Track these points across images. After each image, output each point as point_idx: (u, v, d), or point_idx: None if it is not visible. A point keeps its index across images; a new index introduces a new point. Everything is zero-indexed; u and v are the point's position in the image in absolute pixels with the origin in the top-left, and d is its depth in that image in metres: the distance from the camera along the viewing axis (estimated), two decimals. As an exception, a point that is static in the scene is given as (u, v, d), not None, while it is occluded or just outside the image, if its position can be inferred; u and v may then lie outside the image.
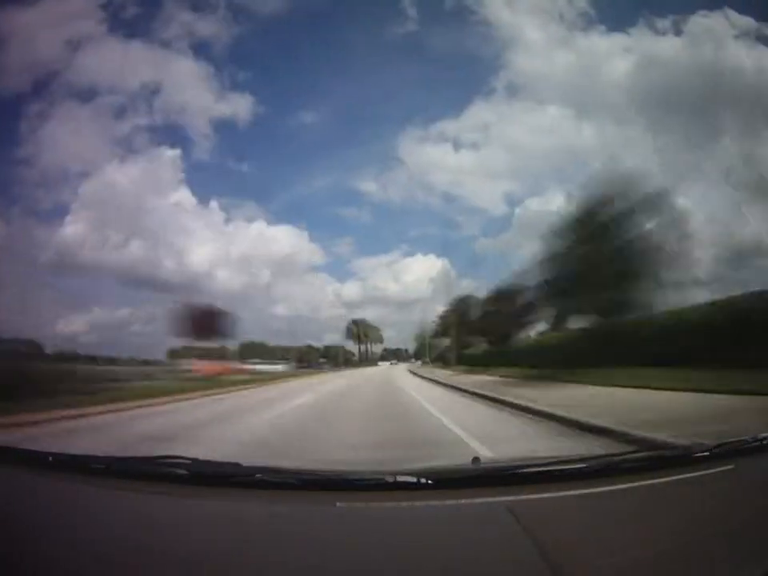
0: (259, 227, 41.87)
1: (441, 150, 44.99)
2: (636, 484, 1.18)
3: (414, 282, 48.49)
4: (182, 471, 1.29)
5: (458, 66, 45.41)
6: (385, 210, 45.44)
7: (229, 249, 41.88)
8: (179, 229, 40.47)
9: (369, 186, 50.09)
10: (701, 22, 35.79)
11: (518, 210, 51.96)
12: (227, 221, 42.71)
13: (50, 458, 1.45)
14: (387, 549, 0.94)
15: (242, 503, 1.16)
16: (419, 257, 49.77)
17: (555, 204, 45.19)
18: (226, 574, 0.88)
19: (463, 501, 1.11)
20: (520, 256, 51.48)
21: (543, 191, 55.61)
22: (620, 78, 41.51)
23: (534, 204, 47.09)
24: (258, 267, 48.08)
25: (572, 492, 1.14)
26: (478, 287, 43.27)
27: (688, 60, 36.57)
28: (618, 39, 42.65)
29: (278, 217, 56.83)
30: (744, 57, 34.14)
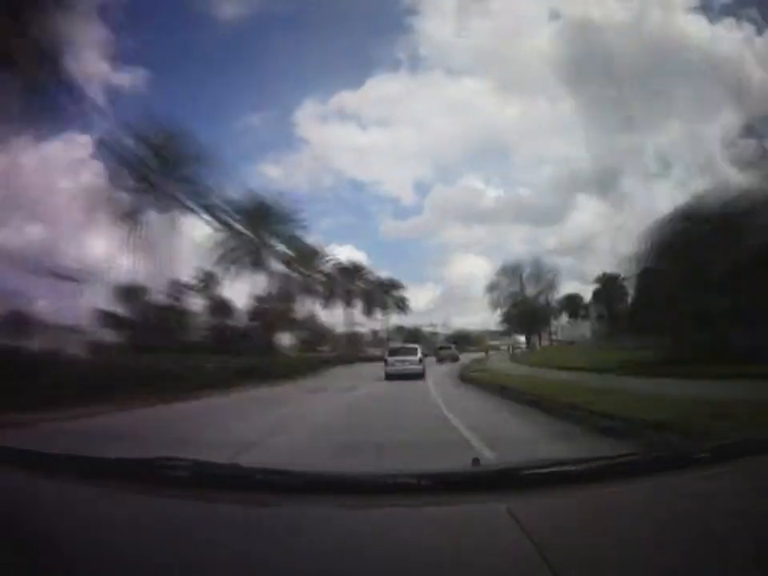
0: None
1: (344, 128, 41.15)
2: (637, 486, 1.18)
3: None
4: (182, 473, 1.29)
5: (355, 32, 40.41)
6: (296, 197, 38.55)
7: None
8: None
9: (272, 170, 43.64)
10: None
11: (428, 199, 48.89)
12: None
13: (50, 459, 1.45)
14: (387, 551, 0.94)
15: (241, 505, 1.16)
16: (334, 248, 44.48)
17: (472, 190, 42.06)
18: None
19: (463, 503, 1.11)
20: (431, 244, 48.14)
21: (457, 176, 51.31)
22: (546, 46, 36.57)
23: (447, 191, 43.29)
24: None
25: (573, 494, 1.14)
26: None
27: (627, 27, 31.38)
28: (544, 1, 37.72)
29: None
30: (696, 29, 30.91)
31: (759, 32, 25.87)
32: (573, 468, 1.26)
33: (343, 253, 37.68)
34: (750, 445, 1.42)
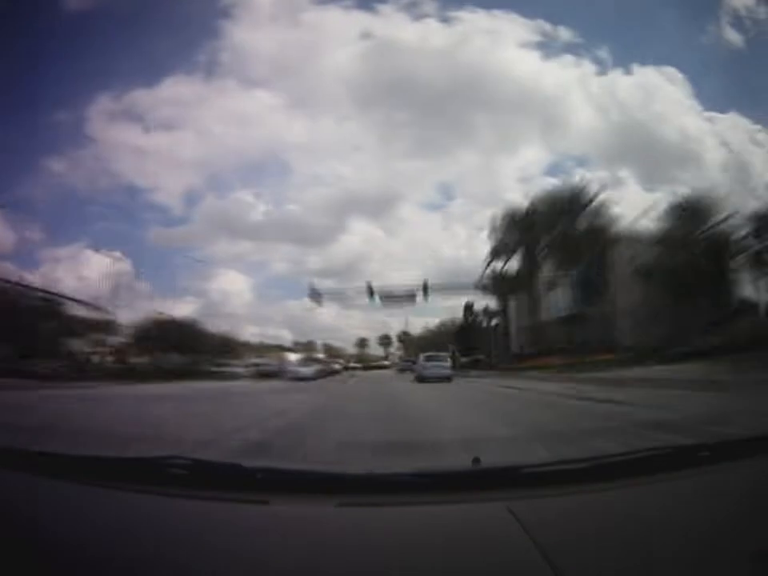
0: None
1: (130, 129, 36.90)
2: (637, 485, 1.18)
3: (94, 280, 36.39)
4: (183, 471, 1.29)
5: (159, 28, 38.97)
6: (74, 197, 38.93)
7: None
8: None
9: (58, 165, 39.66)
10: (472, 16, 30.39)
11: (199, 208, 45.07)
12: None
13: (50, 459, 1.45)
14: (387, 549, 0.94)
15: (242, 503, 1.16)
16: (101, 251, 39.04)
17: (243, 204, 39.88)
18: (226, 574, 0.88)
19: (463, 501, 1.11)
20: (198, 256, 43.99)
21: (231, 189, 49.62)
22: (346, 65, 35.30)
23: (219, 202, 40.54)
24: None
25: (572, 492, 1.14)
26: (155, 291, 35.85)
27: (443, 54, 31.18)
28: (359, 18, 35.91)
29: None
30: (524, 64, 30.43)
31: (601, 72, 25.46)
32: (573, 467, 1.26)
33: (106, 257, 33.70)
34: (749, 445, 1.42)
